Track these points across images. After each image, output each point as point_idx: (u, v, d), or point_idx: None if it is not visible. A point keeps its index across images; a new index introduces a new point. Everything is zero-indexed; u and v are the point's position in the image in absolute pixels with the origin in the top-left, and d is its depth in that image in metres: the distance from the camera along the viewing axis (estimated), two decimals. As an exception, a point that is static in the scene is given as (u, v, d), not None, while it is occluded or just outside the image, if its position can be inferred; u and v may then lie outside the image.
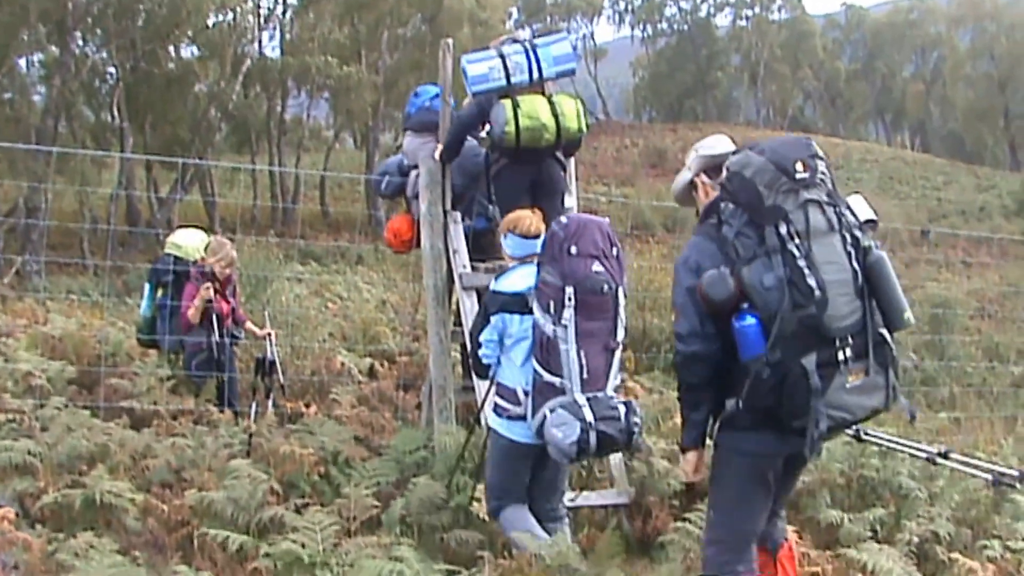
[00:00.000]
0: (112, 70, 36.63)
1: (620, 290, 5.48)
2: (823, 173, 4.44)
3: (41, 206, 28.74)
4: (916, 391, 14.22)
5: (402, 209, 8.78)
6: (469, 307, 7.35)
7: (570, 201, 8.00)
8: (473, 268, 7.72)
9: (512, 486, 5.88)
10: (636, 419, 5.42)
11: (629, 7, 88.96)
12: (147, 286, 9.79)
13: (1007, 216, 46.26)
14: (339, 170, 46.12)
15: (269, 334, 9.40)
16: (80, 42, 34.94)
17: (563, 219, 5.58)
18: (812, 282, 4.22)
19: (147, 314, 9.71)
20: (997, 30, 77.01)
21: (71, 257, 27.34)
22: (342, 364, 10.75)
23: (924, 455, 6.73)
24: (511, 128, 7.10)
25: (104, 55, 36.51)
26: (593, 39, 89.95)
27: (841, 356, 4.31)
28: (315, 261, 24.04)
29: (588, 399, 5.33)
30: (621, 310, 5.51)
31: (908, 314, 4.48)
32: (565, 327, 5.32)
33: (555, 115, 7.23)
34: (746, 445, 4.61)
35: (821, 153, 4.49)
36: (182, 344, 9.29)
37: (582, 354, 5.34)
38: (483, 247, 8.06)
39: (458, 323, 7.98)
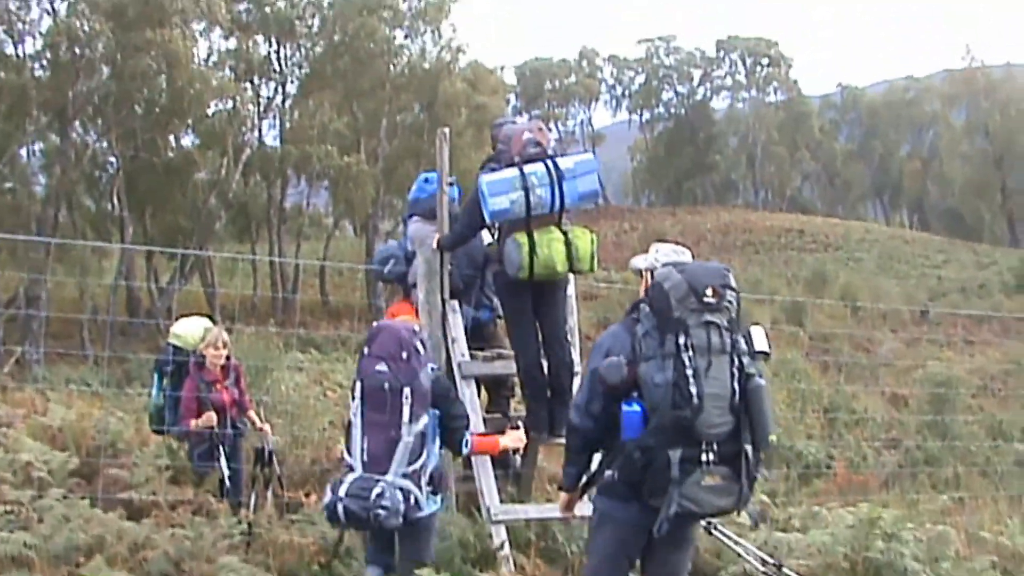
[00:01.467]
0: (112, 159, 37.03)
1: (406, 389, 5.89)
2: (729, 301, 5.03)
3: (41, 296, 28.88)
4: (920, 471, 14.14)
5: (399, 297, 8.76)
6: (468, 395, 7.36)
7: (571, 289, 8.00)
8: (472, 357, 7.73)
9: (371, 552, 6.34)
10: (385, 502, 5.73)
11: (626, 92, 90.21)
12: (155, 375, 9.78)
13: (1007, 293, 46.28)
14: (339, 258, 46.33)
15: (262, 429, 9.38)
16: (80, 131, 35.39)
17: (375, 324, 6.24)
18: (693, 390, 4.81)
19: (158, 402, 9.67)
20: (991, 106, 77.68)
21: (71, 347, 27.36)
22: (342, 453, 10.67)
23: (760, 566, 6.87)
24: (525, 273, 7.11)
25: (104, 144, 36.90)
26: (591, 124, 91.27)
27: (704, 457, 4.91)
28: (315, 349, 24.01)
29: (356, 478, 5.83)
30: (406, 407, 5.89)
31: (773, 438, 5.06)
32: (355, 415, 5.97)
33: (570, 258, 7.21)
34: (616, 513, 5.24)
35: (734, 284, 5.09)
36: (187, 434, 9.23)
37: (365, 440, 5.92)
38: (485, 336, 8.18)
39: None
